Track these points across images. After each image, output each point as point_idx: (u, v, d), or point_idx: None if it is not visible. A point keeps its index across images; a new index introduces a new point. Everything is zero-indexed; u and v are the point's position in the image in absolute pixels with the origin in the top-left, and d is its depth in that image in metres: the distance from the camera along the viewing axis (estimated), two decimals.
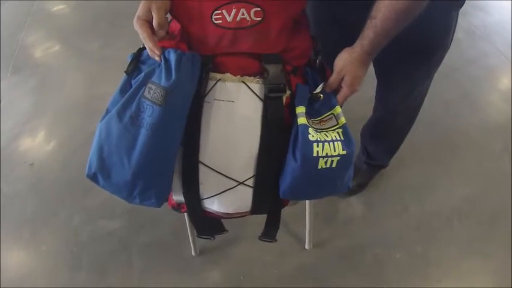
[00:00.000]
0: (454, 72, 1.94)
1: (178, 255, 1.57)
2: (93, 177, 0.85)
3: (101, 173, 0.83)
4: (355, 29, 0.83)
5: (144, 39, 0.77)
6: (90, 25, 2.71)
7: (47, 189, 1.83)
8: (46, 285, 1.57)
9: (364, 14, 0.80)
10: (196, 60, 0.78)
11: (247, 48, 0.80)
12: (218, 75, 0.81)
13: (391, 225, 1.56)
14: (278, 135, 0.83)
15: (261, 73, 0.81)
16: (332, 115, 0.86)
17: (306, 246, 1.53)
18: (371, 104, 1.43)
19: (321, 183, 0.85)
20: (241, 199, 0.89)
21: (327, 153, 0.79)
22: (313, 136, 0.79)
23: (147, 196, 0.83)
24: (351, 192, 1.65)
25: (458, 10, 0.99)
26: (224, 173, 0.85)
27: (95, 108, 1.59)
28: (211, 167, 0.84)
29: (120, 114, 0.79)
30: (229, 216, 0.94)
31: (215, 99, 0.81)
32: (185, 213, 1.17)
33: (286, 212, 1.58)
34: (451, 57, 1.76)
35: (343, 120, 0.85)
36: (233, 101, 0.81)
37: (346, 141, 0.83)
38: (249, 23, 0.78)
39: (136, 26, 0.76)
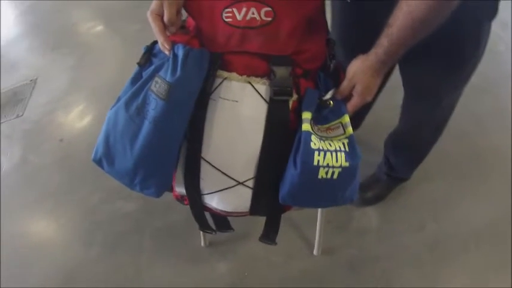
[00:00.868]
0: (491, 85, 1.81)
1: (188, 243, 1.60)
2: (98, 162, 0.88)
3: (105, 159, 0.86)
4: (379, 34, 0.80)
5: (156, 33, 0.78)
6: (133, 8, 2.76)
7: (72, 165, 1.91)
8: (60, 255, 1.64)
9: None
10: (204, 57, 0.78)
11: (256, 48, 0.78)
12: (225, 74, 0.80)
13: (405, 241, 1.50)
14: (281, 139, 0.81)
15: (268, 74, 0.80)
16: (340, 124, 0.83)
17: (314, 252, 1.51)
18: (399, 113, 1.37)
19: (321, 193, 0.82)
20: (240, 199, 0.88)
21: (328, 164, 0.77)
22: (315, 144, 0.77)
23: (147, 185, 0.85)
24: (368, 202, 1.60)
25: (491, 21, 0.93)
26: (225, 172, 0.85)
27: None
28: (213, 164, 0.84)
29: (128, 105, 0.81)
30: (227, 214, 0.94)
31: (220, 97, 0.81)
32: None
33: (298, 215, 1.59)
34: (489, 70, 1.67)
35: (350, 130, 0.82)
36: (237, 101, 0.80)
37: (351, 153, 0.80)
38: (258, 22, 0.76)
39: (150, 20, 0.77)
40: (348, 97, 0.85)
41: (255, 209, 0.90)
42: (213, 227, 1.11)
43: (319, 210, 1.37)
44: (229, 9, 0.77)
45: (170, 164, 0.83)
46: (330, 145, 0.79)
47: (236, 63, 0.80)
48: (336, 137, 0.82)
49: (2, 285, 1.55)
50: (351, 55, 0.85)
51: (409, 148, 1.44)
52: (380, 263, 1.46)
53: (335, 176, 0.78)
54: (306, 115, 0.80)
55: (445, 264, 1.41)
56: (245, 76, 0.80)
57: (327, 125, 0.84)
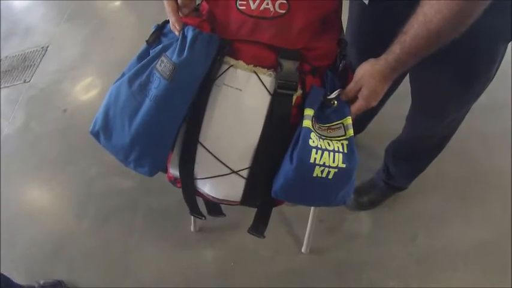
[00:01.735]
0: (500, 106, 1.79)
1: (178, 227, 1.61)
2: (96, 135, 0.88)
3: (103, 132, 0.85)
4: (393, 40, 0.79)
5: (168, 12, 0.78)
6: None
7: (73, 137, 1.92)
8: (50, 224, 1.65)
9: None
10: (213, 42, 0.77)
11: (267, 39, 0.78)
12: (232, 61, 0.80)
13: (394, 251, 1.49)
14: (280, 133, 0.81)
15: (275, 67, 0.79)
16: (341, 124, 0.82)
17: (303, 250, 1.51)
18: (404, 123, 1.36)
19: (314, 191, 0.82)
20: (233, 188, 0.88)
21: (324, 163, 0.76)
22: (313, 142, 0.76)
23: (141, 163, 0.85)
24: (362, 206, 1.59)
25: (507, 44, 0.91)
26: (220, 159, 0.84)
27: None
28: (209, 149, 0.84)
29: (131, 81, 0.81)
30: (218, 201, 0.94)
31: (224, 84, 0.80)
32: None
33: (291, 211, 1.59)
34: (500, 91, 1.64)
35: (351, 132, 0.81)
36: (241, 90, 0.79)
37: (349, 156, 0.79)
38: (271, 13, 0.76)
39: None
40: (353, 99, 0.84)
41: (246, 199, 0.89)
42: (205, 211, 1.11)
43: (312, 208, 1.37)
44: None
45: (166, 144, 0.83)
46: (329, 145, 0.78)
47: (244, 52, 0.79)
48: (336, 137, 0.81)
49: None
50: (364, 57, 0.84)
51: (409, 159, 1.43)
52: (367, 270, 1.45)
53: (330, 176, 0.78)
54: (308, 112, 0.79)
55: (431, 279, 1.40)
56: (252, 66, 0.79)
57: (328, 125, 0.83)
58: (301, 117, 0.80)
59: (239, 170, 0.85)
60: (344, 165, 0.78)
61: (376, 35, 0.93)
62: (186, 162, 0.87)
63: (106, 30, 2.53)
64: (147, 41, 0.86)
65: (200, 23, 0.81)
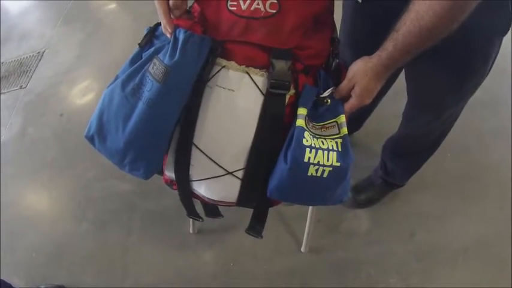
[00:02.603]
0: (497, 103, 1.78)
1: (176, 229, 1.61)
2: (90, 139, 0.87)
3: (98, 136, 0.85)
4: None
5: (159, 14, 0.78)
6: None
7: (70, 141, 1.92)
8: (49, 228, 1.65)
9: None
10: (205, 44, 0.77)
11: (258, 39, 0.77)
12: (224, 62, 0.79)
13: (393, 248, 1.49)
14: (274, 133, 0.80)
15: (267, 67, 0.79)
16: (335, 123, 0.82)
17: (302, 249, 1.51)
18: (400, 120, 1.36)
19: (309, 190, 0.82)
20: (228, 189, 0.88)
21: (318, 161, 0.76)
22: (307, 141, 0.76)
23: (136, 166, 0.85)
24: (360, 204, 1.60)
25: (502, 38, 0.91)
26: (215, 160, 0.84)
27: None
28: (204, 151, 0.84)
29: (124, 84, 0.80)
30: (214, 202, 0.94)
31: (217, 85, 0.80)
32: None
33: (289, 211, 1.58)
34: (497, 87, 1.64)
35: (345, 130, 0.81)
36: (233, 90, 0.79)
37: (343, 154, 0.79)
38: (262, 13, 0.76)
39: (155, 1, 0.76)
40: (347, 97, 0.84)
41: (242, 200, 0.89)
42: (203, 213, 1.11)
43: (310, 208, 1.37)
44: None
45: (161, 147, 0.83)
46: (323, 143, 0.78)
47: (236, 53, 0.79)
48: (330, 136, 0.81)
49: None
50: (358, 56, 0.83)
51: (405, 155, 1.43)
52: (366, 268, 1.45)
53: (325, 175, 0.78)
54: (302, 111, 0.79)
55: (431, 276, 1.41)
56: (244, 66, 0.79)
57: (322, 123, 0.83)
58: (294, 116, 0.80)
59: (234, 171, 0.85)
60: (338, 164, 0.78)
61: (369, 34, 0.93)
62: (181, 165, 0.87)
63: (102, 33, 2.53)
64: (139, 44, 0.85)
65: (192, 25, 0.80)
